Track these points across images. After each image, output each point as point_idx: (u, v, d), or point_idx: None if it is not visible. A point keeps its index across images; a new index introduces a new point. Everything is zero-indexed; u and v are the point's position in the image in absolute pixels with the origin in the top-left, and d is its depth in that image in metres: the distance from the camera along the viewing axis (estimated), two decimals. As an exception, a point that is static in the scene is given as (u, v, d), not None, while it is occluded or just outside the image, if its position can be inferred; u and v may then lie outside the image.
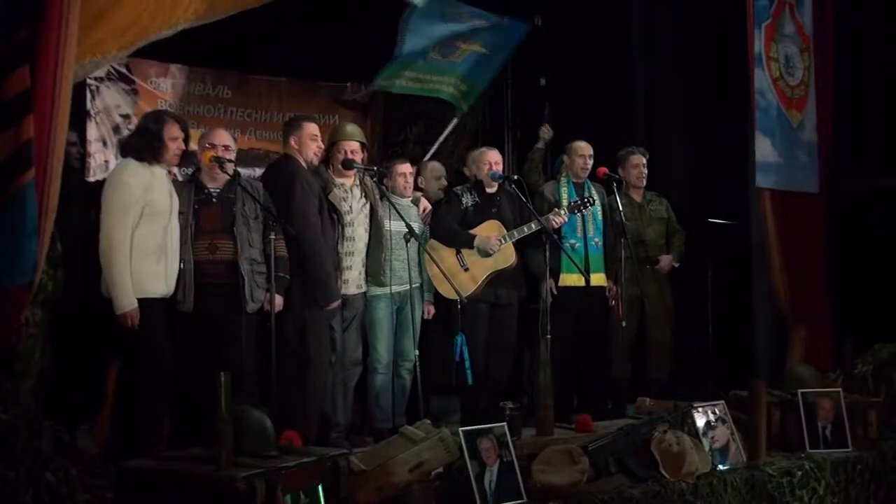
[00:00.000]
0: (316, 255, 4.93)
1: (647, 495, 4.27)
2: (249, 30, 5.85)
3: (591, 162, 6.04)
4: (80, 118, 6.65)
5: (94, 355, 4.72)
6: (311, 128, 5.16)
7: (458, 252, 5.62)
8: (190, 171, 5.01)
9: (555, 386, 4.92)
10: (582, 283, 5.73)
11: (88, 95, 6.97)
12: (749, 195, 6.83)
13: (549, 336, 5.29)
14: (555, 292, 5.72)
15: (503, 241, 5.60)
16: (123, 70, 7.13)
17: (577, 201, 5.80)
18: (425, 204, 5.78)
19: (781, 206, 6.49)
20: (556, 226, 5.70)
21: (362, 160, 5.43)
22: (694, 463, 4.48)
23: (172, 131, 4.58)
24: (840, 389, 5.28)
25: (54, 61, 3.78)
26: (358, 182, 5.42)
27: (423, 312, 5.62)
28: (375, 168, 5.58)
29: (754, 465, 4.76)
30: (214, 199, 4.78)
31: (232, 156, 4.84)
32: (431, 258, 5.38)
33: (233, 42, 6.65)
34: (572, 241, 5.86)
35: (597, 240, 5.96)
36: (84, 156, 6.62)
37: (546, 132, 6.62)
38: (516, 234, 5.62)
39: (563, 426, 4.98)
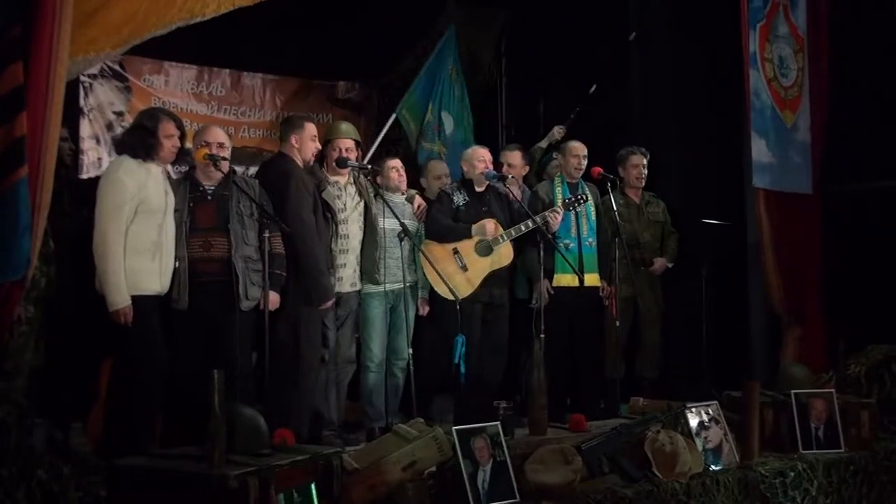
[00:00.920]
0: (310, 253, 4.92)
1: (640, 495, 4.28)
2: (243, 28, 5.84)
3: (585, 162, 6.02)
4: (73, 115, 6.65)
5: (88, 353, 4.69)
6: (312, 128, 5.18)
7: (456, 252, 5.60)
8: (184, 169, 4.99)
9: (548, 385, 4.94)
10: (576, 283, 5.72)
11: (82, 92, 6.97)
12: (744, 196, 6.84)
13: (542, 336, 5.30)
14: (551, 292, 5.72)
15: (501, 240, 5.60)
16: (117, 67, 7.13)
17: (570, 198, 5.79)
18: (419, 201, 5.77)
19: (776, 207, 6.51)
20: (554, 225, 5.70)
21: (356, 158, 5.42)
22: (687, 463, 4.49)
23: (167, 129, 4.57)
24: (833, 390, 5.31)
25: (48, 58, 3.77)
26: (352, 180, 5.41)
27: (416, 310, 5.61)
28: (370, 166, 5.57)
29: (747, 465, 4.78)
30: (209, 197, 4.76)
31: (226, 153, 4.82)
32: (426, 258, 5.37)
33: (227, 40, 6.66)
34: (566, 241, 5.85)
35: (591, 240, 5.95)
36: (76, 152, 6.60)
37: (558, 133, 6.61)
38: (513, 233, 5.61)
39: (556, 426, 4.99)
